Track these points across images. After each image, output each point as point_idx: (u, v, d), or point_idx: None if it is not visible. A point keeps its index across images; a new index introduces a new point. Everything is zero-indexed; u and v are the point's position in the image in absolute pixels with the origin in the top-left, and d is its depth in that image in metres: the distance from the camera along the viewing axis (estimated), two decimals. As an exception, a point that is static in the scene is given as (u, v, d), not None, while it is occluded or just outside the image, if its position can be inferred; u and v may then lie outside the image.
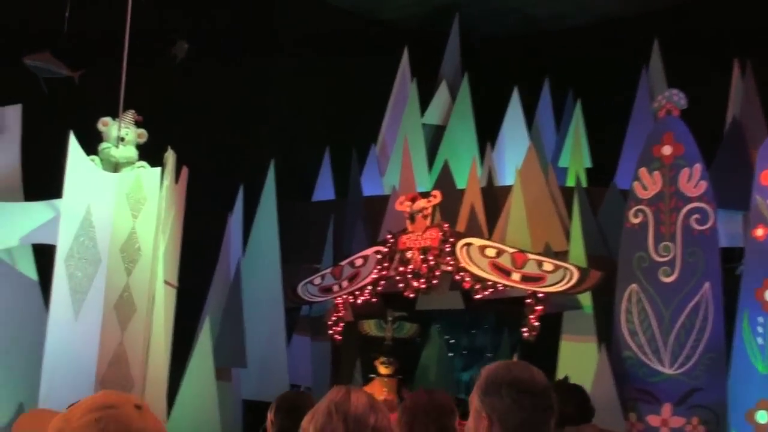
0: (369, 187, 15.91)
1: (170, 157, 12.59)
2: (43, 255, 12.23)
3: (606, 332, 12.44)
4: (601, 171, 15.07)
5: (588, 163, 15.39)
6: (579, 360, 12.41)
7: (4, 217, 13.02)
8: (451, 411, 4.89)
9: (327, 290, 15.25)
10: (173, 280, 13.00)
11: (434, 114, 16.58)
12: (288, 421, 4.99)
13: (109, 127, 12.08)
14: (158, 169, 12.17)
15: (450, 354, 17.73)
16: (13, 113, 13.69)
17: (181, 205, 13.26)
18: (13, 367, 12.18)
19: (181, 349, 13.33)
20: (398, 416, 4.44)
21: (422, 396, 4.90)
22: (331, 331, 15.09)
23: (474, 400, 3.31)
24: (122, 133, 12.01)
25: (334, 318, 15.17)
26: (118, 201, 11.74)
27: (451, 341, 17.72)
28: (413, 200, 14.19)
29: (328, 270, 15.23)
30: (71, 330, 11.47)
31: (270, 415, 5.39)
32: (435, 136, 16.28)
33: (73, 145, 11.83)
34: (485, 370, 3.35)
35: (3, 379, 12.23)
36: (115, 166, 12.01)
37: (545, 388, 3.11)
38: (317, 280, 15.34)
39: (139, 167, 12.05)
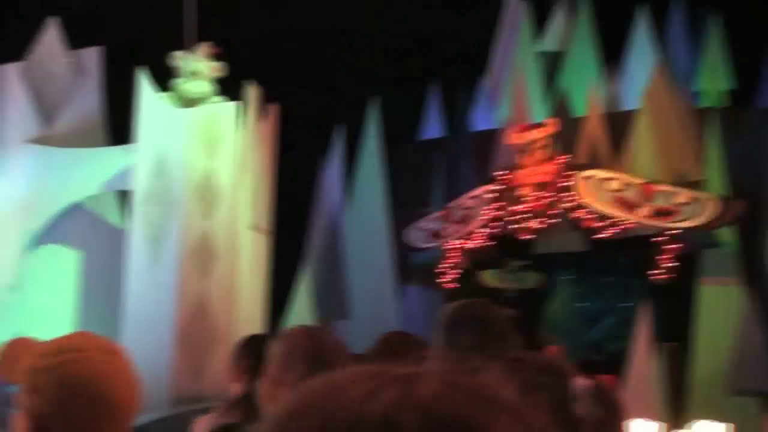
0: (480, 123, 14.54)
1: (252, 92, 11.60)
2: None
3: (753, 273, 10.86)
4: (742, 92, 13.26)
5: (727, 84, 13.47)
6: (721, 306, 10.82)
7: (85, 164, 12.55)
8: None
9: (436, 235, 14.09)
10: (264, 225, 12.08)
11: (551, 40, 14.98)
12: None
13: (182, 61, 11.19)
14: (233, 104, 11.21)
15: (578, 305, 16.16)
16: (93, 55, 13.16)
17: (270, 146, 12.29)
18: (101, 317, 11.68)
19: (278, 300, 12.45)
20: None
21: None
22: (442, 280, 13.90)
23: None
24: (195, 67, 11.10)
25: (446, 265, 13.98)
26: (190, 139, 10.87)
27: (578, 290, 16.13)
28: (526, 131, 12.80)
29: (437, 214, 14.05)
30: (149, 278, 10.76)
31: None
32: (551, 64, 14.68)
33: (144, 84, 11.05)
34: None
35: (94, 330, 11.69)
36: (188, 103, 11.14)
37: None
38: (425, 225, 14.20)
39: (213, 102, 11.12)
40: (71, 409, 1.99)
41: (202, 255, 10.82)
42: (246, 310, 11.49)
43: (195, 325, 10.68)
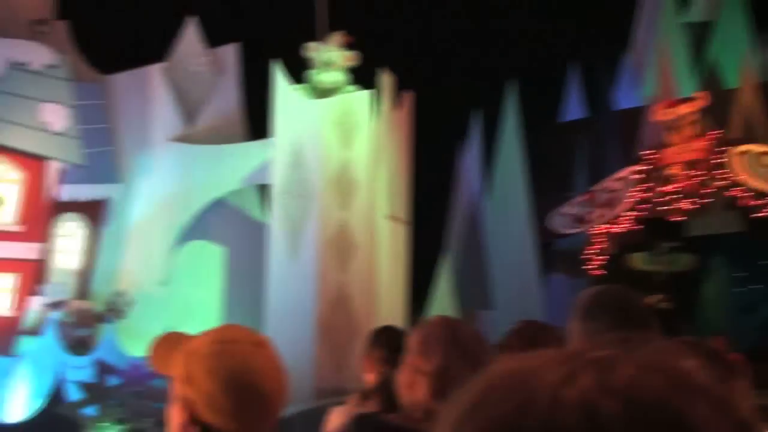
0: (623, 101, 13.88)
1: (386, 80, 11.45)
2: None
3: None
4: None
5: None
6: None
7: (226, 160, 12.74)
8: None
9: (581, 220, 13.55)
10: (402, 215, 11.93)
11: (696, 9, 14.12)
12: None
13: (315, 52, 11.16)
14: (368, 93, 11.08)
15: (735, 290, 15.21)
16: (231, 52, 13.36)
17: (406, 134, 12.11)
18: (245, 311, 11.84)
19: (419, 290, 12.27)
20: None
21: None
22: (588, 266, 13.37)
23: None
24: (329, 57, 11.04)
25: (592, 251, 13.44)
26: (326, 130, 10.82)
27: (734, 274, 15.18)
28: (674, 107, 12.11)
29: (581, 198, 13.52)
30: (289, 271, 10.79)
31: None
32: (698, 35, 13.84)
33: (279, 77, 11.09)
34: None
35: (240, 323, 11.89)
36: (323, 93, 11.09)
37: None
38: (569, 210, 13.69)
39: (347, 92, 11.03)
40: (224, 399, 2.03)
41: (340, 246, 10.77)
42: (386, 302, 11.37)
43: (335, 318, 10.64)
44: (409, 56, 11.71)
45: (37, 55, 11.98)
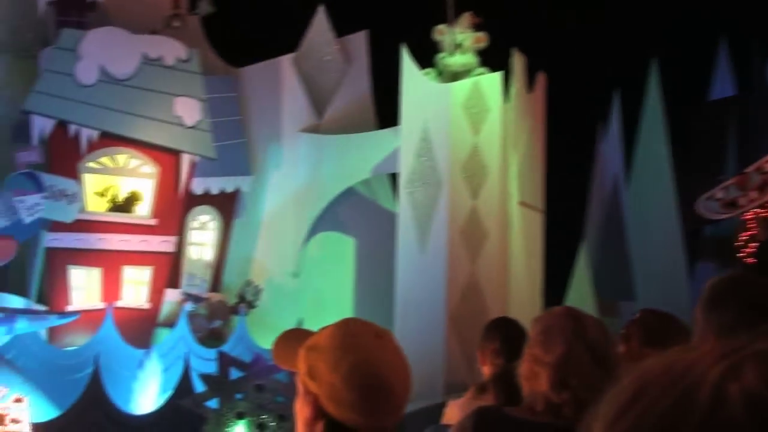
0: (778, 75, 12.85)
1: (517, 60, 10.95)
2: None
3: None
4: None
5: None
6: None
7: (356, 149, 12.56)
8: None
9: (732, 205, 12.62)
10: (535, 202, 11.41)
11: None
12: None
13: (444, 35, 10.78)
14: (498, 75, 10.61)
15: None
16: (360, 40, 13.15)
17: (539, 117, 11.58)
18: (376, 303, 11.64)
19: (554, 281, 11.73)
20: None
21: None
22: (741, 254, 12.45)
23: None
24: (458, 39, 10.64)
25: (744, 237, 12.50)
26: (454, 114, 10.42)
27: None
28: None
29: (732, 180, 12.60)
30: (418, 261, 10.49)
31: None
32: None
33: (406, 61, 10.79)
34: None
35: (370, 316, 11.71)
36: (452, 77, 10.70)
37: None
38: (719, 194, 12.79)
39: (477, 75, 10.60)
40: (348, 392, 2.03)
41: (470, 235, 10.37)
42: (519, 293, 10.90)
43: (466, 309, 10.25)
44: (542, 35, 11.15)
45: (170, 49, 12.12)
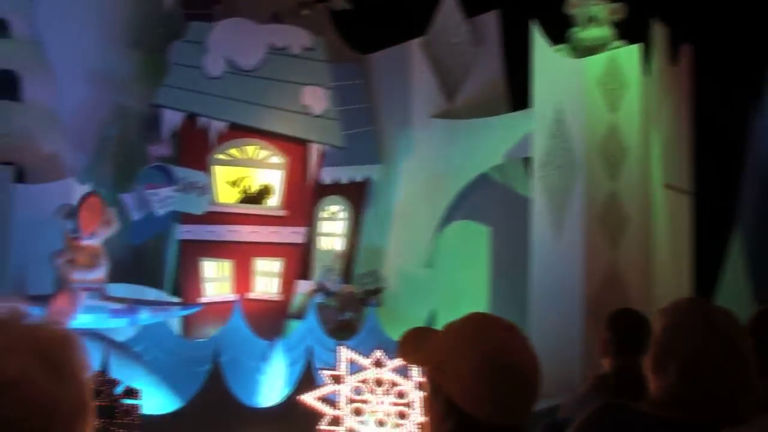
0: None
1: (659, 32, 10.16)
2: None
3: None
4: None
5: None
6: None
7: (488, 134, 12.05)
8: None
9: None
10: (682, 184, 10.59)
11: None
12: None
13: (578, 8, 10.13)
14: (637, 48, 9.86)
15: None
16: (490, 21, 12.61)
17: (685, 92, 10.73)
18: (511, 293, 11.14)
19: (705, 269, 10.88)
20: None
21: None
22: None
23: None
24: (592, 11, 9.97)
25: None
26: (589, 91, 9.75)
27: None
28: None
29: None
30: (553, 247, 9.90)
31: None
32: None
33: (537, 38, 10.21)
34: None
35: (504, 307, 11.29)
36: (586, 52, 10.04)
37: None
38: None
39: (613, 48, 9.89)
40: (478, 385, 2.01)
41: (609, 221, 9.68)
42: (665, 283, 10.12)
43: (605, 300, 9.56)
44: (686, 4, 10.31)
45: (296, 38, 11.96)
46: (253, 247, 11.63)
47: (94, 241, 8.52)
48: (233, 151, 11.70)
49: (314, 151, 11.99)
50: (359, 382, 7.65)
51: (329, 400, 7.59)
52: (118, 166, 11.35)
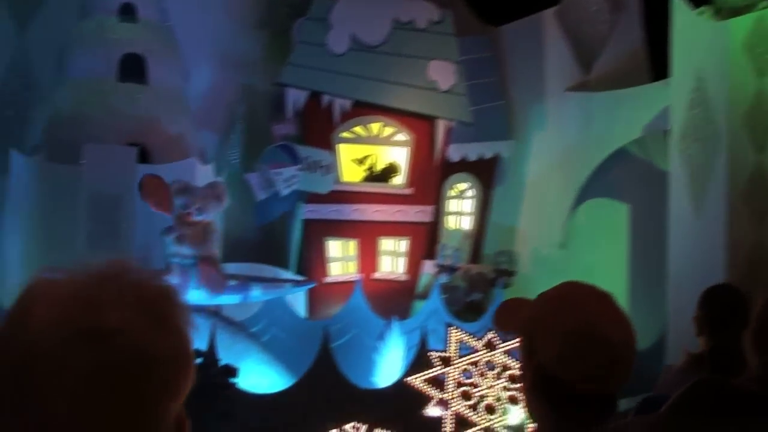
0: None
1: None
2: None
3: None
4: None
5: None
6: None
7: (627, 106, 11.31)
8: None
9: None
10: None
11: None
12: None
13: (723, -35, 9.26)
14: (789, 5, 8.92)
15: None
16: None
17: None
18: (650, 274, 10.48)
19: None
20: None
21: None
22: None
23: None
24: (737, -32, 9.08)
25: None
26: (734, 56, 8.90)
27: None
28: None
29: None
30: (692, 227, 9.16)
31: None
32: None
33: (677, 1, 9.44)
34: None
35: (641, 289, 10.69)
36: (732, 13, 9.16)
37: None
38: None
39: (762, 9, 8.99)
40: (568, 354, 2.01)
41: (755, 198, 8.83)
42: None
43: (751, 284, 8.76)
44: None
45: (422, 12, 11.62)
46: (378, 226, 11.42)
47: (204, 216, 8.44)
48: (358, 129, 11.50)
49: (441, 127, 11.63)
50: (469, 364, 7.26)
51: (440, 382, 7.25)
52: (243, 146, 11.38)
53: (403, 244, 11.50)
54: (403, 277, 11.47)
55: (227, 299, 8.56)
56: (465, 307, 11.02)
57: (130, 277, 1.23)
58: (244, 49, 11.77)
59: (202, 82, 11.62)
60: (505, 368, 7.30)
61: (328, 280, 11.08)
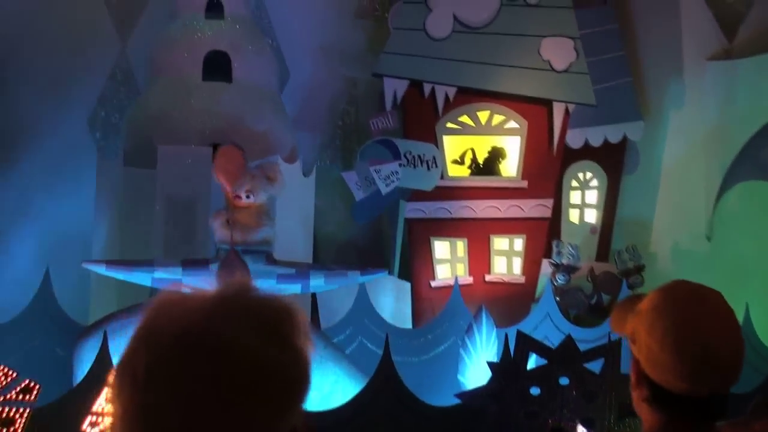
0: None
1: None
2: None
3: None
4: None
5: None
6: None
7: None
8: None
9: None
10: None
11: None
12: None
13: None
14: None
15: None
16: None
17: None
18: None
19: None
20: None
21: None
22: None
23: None
24: None
25: None
26: None
27: None
28: None
29: None
30: None
31: None
32: None
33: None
34: None
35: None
36: None
37: None
38: None
39: None
40: (665, 356, 2.00)
41: None
42: None
43: None
44: None
45: (533, -16, 10.50)
46: (490, 223, 10.37)
47: (257, 199, 7.70)
48: (464, 119, 10.49)
49: (559, 111, 10.42)
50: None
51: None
52: (343, 142, 10.73)
53: (518, 243, 10.39)
54: (521, 279, 10.37)
55: (285, 288, 7.76)
56: (588, 310, 9.80)
57: (250, 295, 1.29)
58: (346, 40, 11.13)
59: (304, 78, 11.09)
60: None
61: (435, 284, 10.16)
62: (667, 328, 2.00)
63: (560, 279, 9.82)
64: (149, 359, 1.21)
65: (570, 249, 9.84)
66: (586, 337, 8.57)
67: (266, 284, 7.57)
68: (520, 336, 6.91)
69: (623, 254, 10.20)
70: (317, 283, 7.97)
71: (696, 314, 2.03)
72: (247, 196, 7.59)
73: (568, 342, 6.71)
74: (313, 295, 9.25)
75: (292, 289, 7.77)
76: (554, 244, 10.06)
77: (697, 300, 2.07)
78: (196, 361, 1.19)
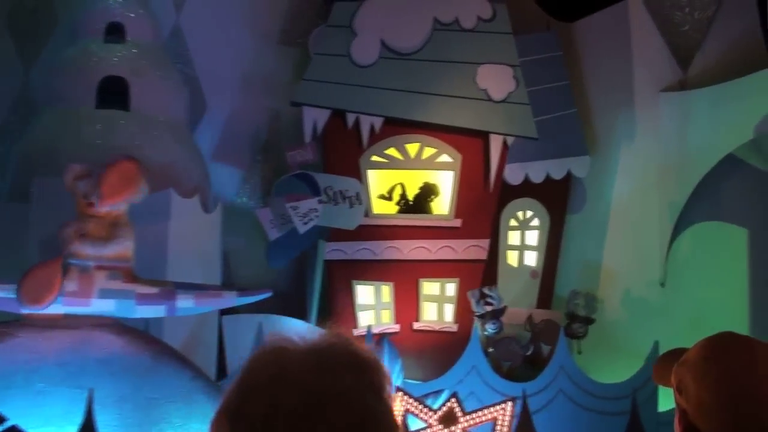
0: None
1: None
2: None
3: None
4: None
5: None
6: None
7: (733, 102, 8.92)
8: None
9: None
10: None
11: None
12: None
13: None
14: None
15: None
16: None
17: None
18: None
19: None
20: None
21: None
22: None
23: None
24: None
25: None
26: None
27: None
28: None
29: None
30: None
31: None
32: None
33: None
34: None
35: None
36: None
37: None
38: None
39: None
40: (715, 407, 1.97)
41: None
42: None
43: None
44: None
45: (468, 9, 9.70)
46: (419, 266, 9.42)
47: (114, 208, 6.69)
48: (392, 151, 9.60)
49: (496, 144, 9.54)
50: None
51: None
52: (260, 177, 9.86)
53: (450, 287, 9.41)
54: (453, 328, 9.37)
55: (147, 311, 6.72)
56: (524, 361, 8.79)
57: (348, 346, 1.48)
58: (268, 68, 10.31)
59: (223, 109, 10.26)
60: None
61: (359, 332, 9.16)
62: (716, 379, 2.01)
63: (490, 328, 8.81)
64: (269, 411, 1.38)
65: (488, 293, 8.84)
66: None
67: (124, 306, 6.61)
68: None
69: (579, 298, 9.21)
70: (186, 305, 6.86)
71: (748, 367, 2.01)
72: (109, 206, 6.61)
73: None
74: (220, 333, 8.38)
75: (155, 311, 6.74)
76: (469, 295, 9.03)
77: (747, 351, 2.05)
78: (319, 410, 1.36)
